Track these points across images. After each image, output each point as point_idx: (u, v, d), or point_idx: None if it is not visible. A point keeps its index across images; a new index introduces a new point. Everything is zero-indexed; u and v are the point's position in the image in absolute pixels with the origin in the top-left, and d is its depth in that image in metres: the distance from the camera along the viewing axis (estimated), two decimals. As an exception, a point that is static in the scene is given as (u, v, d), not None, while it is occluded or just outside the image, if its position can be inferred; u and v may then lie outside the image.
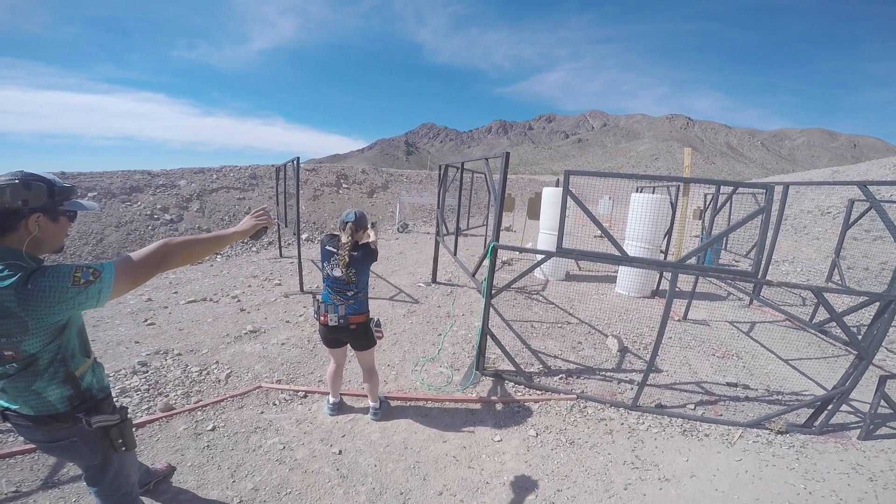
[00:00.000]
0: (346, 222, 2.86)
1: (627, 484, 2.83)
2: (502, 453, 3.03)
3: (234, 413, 3.26)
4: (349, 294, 2.87)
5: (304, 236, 10.71)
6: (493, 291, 3.88)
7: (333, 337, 2.99)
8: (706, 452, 3.20)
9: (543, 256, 3.72)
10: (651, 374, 4.23)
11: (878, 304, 3.19)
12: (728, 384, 4.30)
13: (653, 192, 8.02)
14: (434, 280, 7.08)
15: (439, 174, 7.24)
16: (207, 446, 2.89)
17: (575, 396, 3.76)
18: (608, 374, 4.33)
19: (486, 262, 3.80)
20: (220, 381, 3.72)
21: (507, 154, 3.89)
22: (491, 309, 4.01)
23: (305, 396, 3.54)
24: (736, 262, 8.86)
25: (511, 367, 4.11)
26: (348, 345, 3.09)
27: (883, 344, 5.39)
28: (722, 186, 6.28)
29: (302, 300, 5.89)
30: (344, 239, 2.82)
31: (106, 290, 1.33)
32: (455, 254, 5.80)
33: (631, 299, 6.85)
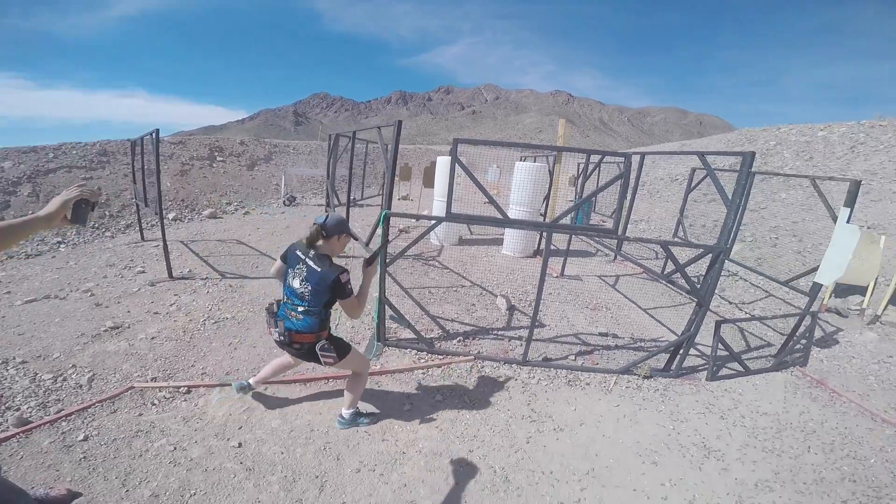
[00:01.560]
0: (314, 224, 2.50)
1: (528, 437, 3.08)
2: (415, 422, 3.09)
3: (108, 419, 2.88)
4: (300, 309, 2.51)
5: (170, 215, 9.45)
6: (388, 260, 3.87)
7: (281, 347, 2.68)
8: (589, 401, 3.59)
9: (434, 222, 3.79)
10: (536, 330, 4.62)
11: (710, 255, 3.77)
12: (600, 334, 4.87)
13: (534, 161, 8.64)
14: (327, 253, 6.81)
15: (329, 144, 6.88)
16: (84, 458, 2.51)
17: (473, 357, 3.95)
18: (500, 332, 4.63)
19: (380, 231, 3.76)
20: (81, 386, 3.20)
21: (400, 123, 3.83)
22: (388, 278, 3.99)
23: (189, 392, 3.23)
24: (603, 222, 10.07)
25: (412, 335, 4.17)
26: None
27: (718, 293, 6.65)
28: (591, 156, 7.01)
29: (172, 287, 5.21)
30: (306, 242, 2.50)
31: None
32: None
33: (516, 259, 7.40)
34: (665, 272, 4.37)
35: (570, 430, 3.21)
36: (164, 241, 5.43)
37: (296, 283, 2.49)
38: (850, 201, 3.95)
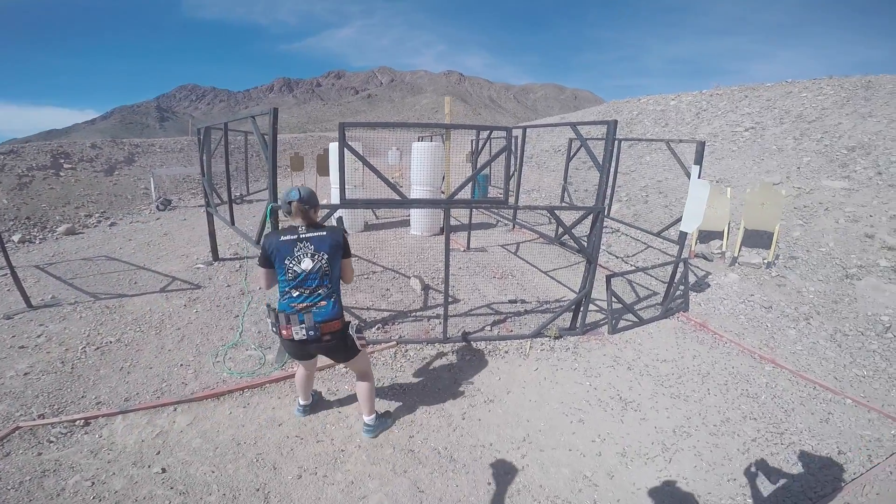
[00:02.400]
0: (290, 202, 2.34)
1: (463, 413, 3.13)
2: (346, 417, 3.02)
3: (2, 462, 2.57)
4: (320, 293, 2.34)
5: (15, 237, 7.78)
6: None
7: (303, 350, 2.47)
8: (511, 368, 3.73)
9: (329, 211, 3.57)
10: (451, 305, 4.69)
11: (591, 215, 4.12)
12: (510, 301, 5.08)
13: (431, 141, 8.64)
14: (216, 258, 6.15)
15: (198, 138, 6.12)
16: (-7, 506, 2.13)
17: (395, 343, 3.90)
18: (418, 313, 4.62)
19: (269, 227, 3.44)
20: (-47, 433, 2.67)
21: (276, 110, 3.50)
22: None
23: (87, 424, 2.90)
24: (500, 194, 10.50)
25: None
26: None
27: (606, 249, 7.33)
28: (481, 132, 7.20)
29: (35, 317, 4.39)
30: (298, 222, 2.36)
31: None
32: (233, 223, 5.10)
33: (424, 238, 7.41)
34: (557, 235, 4.67)
35: (499, 399, 3.31)
36: (11, 268, 4.52)
37: (306, 263, 2.31)
38: (699, 160, 4.55)
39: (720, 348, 4.39)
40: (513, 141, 8.58)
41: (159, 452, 2.70)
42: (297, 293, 2.35)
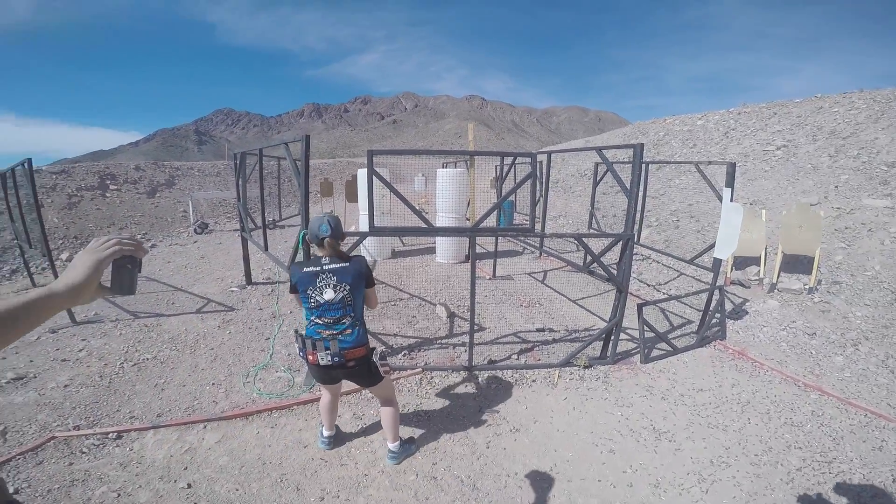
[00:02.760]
0: (323, 237, 2.41)
1: (488, 442, 3.08)
2: (370, 441, 3.03)
3: (35, 470, 2.67)
4: (345, 322, 2.42)
5: (63, 256, 8.28)
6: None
7: (328, 375, 2.56)
8: (538, 397, 3.65)
9: (358, 238, 3.65)
10: (477, 333, 4.64)
11: (620, 242, 4.01)
12: (538, 330, 5.00)
13: (455, 167, 8.77)
14: (249, 282, 6.34)
15: (235, 163, 6.42)
16: (20, 511, 2.17)
17: (420, 370, 3.89)
18: (444, 341, 4.61)
19: (300, 253, 3.55)
20: (-8, 440, 2.86)
21: (308, 137, 3.64)
22: None
23: (119, 437, 3.00)
24: (526, 221, 10.47)
25: None
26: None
27: (637, 277, 7.16)
28: (505, 157, 7.26)
29: (78, 332, 4.67)
30: (323, 253, 2.44)
31: None
32: (266, 248, 5.27)
33: (450, 266, 7.43)
34: (586, 263, 4.60)
35: (526, 429, 3.25)
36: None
37: (329, 294, 2.39)
38: (730, 182, 4.44)
39: (761, 376, 4.18)
40: (537, 166, 8.64)
41: (186, 468, 2.75)
42: (322, 321, 2.43)
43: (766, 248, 6.49)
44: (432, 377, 3.86)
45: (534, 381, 3.90)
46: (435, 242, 8.03)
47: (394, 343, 4.51)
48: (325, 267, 2.41)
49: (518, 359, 4.28)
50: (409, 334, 4.74)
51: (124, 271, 0.91)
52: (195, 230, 10.81)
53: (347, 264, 2.44)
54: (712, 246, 4.72)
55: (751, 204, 8.06)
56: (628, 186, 3.85)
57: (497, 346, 4.56)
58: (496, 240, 6.91)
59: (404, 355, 4.26)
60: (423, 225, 3.65)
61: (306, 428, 3.16)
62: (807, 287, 5.88)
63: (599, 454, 3.02)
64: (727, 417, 3.49)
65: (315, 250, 2.54)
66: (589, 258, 4.21)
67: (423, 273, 6.82)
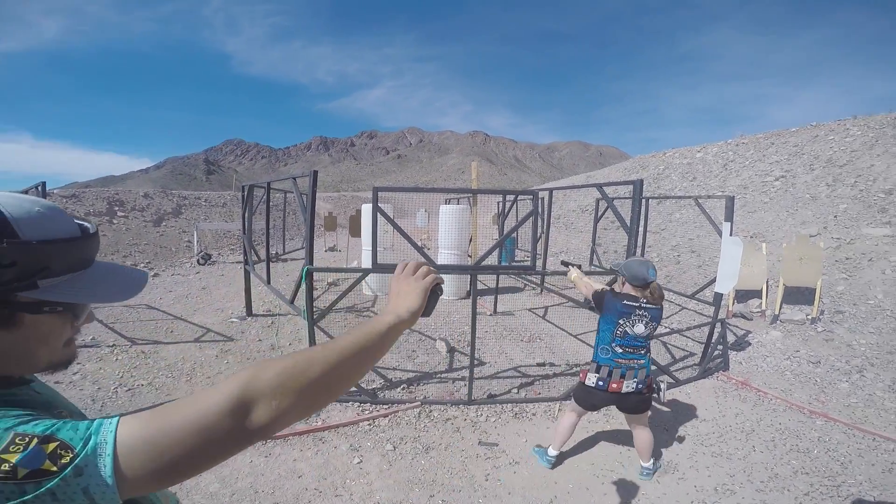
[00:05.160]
0: (650, 282, 2.71)
1: (486, 475, 3.03)
2: (366, 473, 2.97)
3: None
4: (642, 352, 2.73)
5: (63, 284, 8.30)
6: (315, 315, 3.71)
7: (608, 404, 2.84)
8: (538, 430, 3.60)
9: (361, 274, 3.69)
10: (477, 368, 4.62)
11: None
12: (538, 364, 4.96)
13: (458, 203, 8.92)
14: (250, 313, 6.35)
15: (242, 196, 6.56)
16: None
17: (419, 403, 3.86)
18: (443, 375, 4.58)
19: (304, 289, 3.59)
20: None
21: (315, 173, 3.75)
22: (319, 332, 3.87)
23: None
24: (527, 258, 10.53)
25: (353, 388, 3.99)
26: None
27: None
28: (507, 195, 7.40)
29: None
30: (653, 297, 2.70)
31: (101, 490, 0.48)
32: (269, 282, 5.31)
33: (451, 302, 7.42)
34: (587, 299, 4.61)
35: (525, 461, 3.19)
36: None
37: (640, 329, 2.67)
38: (729, 216, 4.50)
39: (765, 405, 4.15)
40: (539, 203, 8.76)
41: (176, 493, 2.67)
42: (623, 351, 2.73)
43: (767, 281, 6.49)
44: (431, 411, 3.82)
45: (534, 414, 3.86)
46: (437, 278, 8.02)
47: (393, 377, 4.48)
48: (641, 305, 2.69)
49: (518, 392, 4.25)
50: (409, 368, 4.71)
51: (434, 297, 0.97)
52: (198, 261, 10.90)
53: (656, 307, 2.74)
54: (713, 280, 4.74)
55: (751, 237, 8.11)
56: (628, 223, 3.91)
57: (497, 380, 4.52)
58: (497, 277, 6.94)
59: (403, 389, 4.23)
60: (425, 262, 3.70)
61: (301, 458, 3.10)
62: (809, 317, 5.84)
63: (601, 485, 2.96)
64: (731, 446, 3.45)
65: (629, 289, 2.75)
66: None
67: (424, 308, 6.82)
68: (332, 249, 13.03)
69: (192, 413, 0.53)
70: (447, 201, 9.02)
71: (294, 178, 4.53)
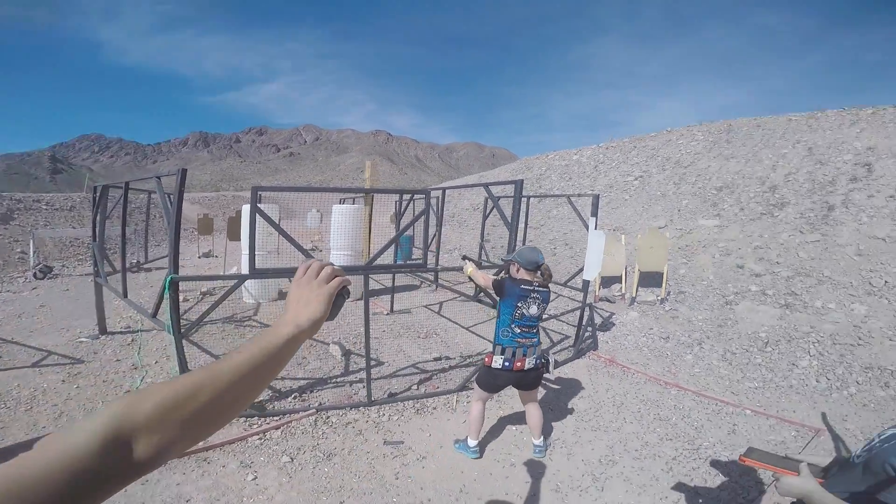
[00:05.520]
0: (540, 263, 2.93)
1: (396, 473, 3.03)
2: (264, 489, 2.82)
3: None
4: (535, 332, 2.99)
5: None
6: (184, 328, 3.34)
7: (510, 383, 3.02)
8: (440, 423, 3.70)
9: (236, 282, 3.42)
10: (375, 368, 4.59)
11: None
12: (435, 359, 5.09)
13: (353, 203, 8.71)
14: (104, 331, 5.49)
15: (94, 197, 5.64)
16: None
17: (314, 410, 3.72)
18: (339, 379, 4.47)
19: (167, 302, 3.20)
20: None
21: (184, 171, 3.39)
22: (192, 347, 3.49)
23: None
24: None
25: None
26: None
27: None
28: (403, 194, 7.46)
29: None
30: (539, 280, 2.94)
31: None
32: (125, 295, 4.64)
33: (345, 304, 7.23)
34: (476, 293, 4.88)
35: (432, 455, 3.26)
36: None
37: (534, 310, 2.91)
38: (595, 212, 5.11)
39: (629, 379, 4.72)
40: (432, 202, 8.95)
41: None
42: (521, 330, 2.93)
43: (626, 268, 7.49)
44: (329, 417, 3.71)
45: (434, 408, 3.95)
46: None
47: (281, 386, 4.24)
48: (536, 289, 2.91)
49: (418, 389, 4.32)
50: (300, 376, 4.50)
51: (341, 301, 0.86)
52: (35, 275, 9.06)
53: (546, 290, 2.98)
54: (582, 269, 5.32)
55: (613, 230, 9.28)
56: (510, 220, 4.21)
57: (396, 379, 4.54)
58: (393, 276, 6.95)
59: (295, 398, 4.03)
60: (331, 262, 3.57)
61: (185, 482, 2.82)
62: (659, 298, 6.87)
63: (502, 469, 3.14)
64: (606, 419, 3.87)
65: (523, 274, 2.93)
66: (478, 288, 4.46)
67: (316, 312, 6.55)
68: (207, 255, 11.81)
69: (55, 458, 0.44)
70: (342, 201, 8.77)
71: (158, 178, 4.02)
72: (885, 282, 5.67)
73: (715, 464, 3.29)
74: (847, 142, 8.85)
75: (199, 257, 11.76)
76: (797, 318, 5.65)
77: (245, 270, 6.99)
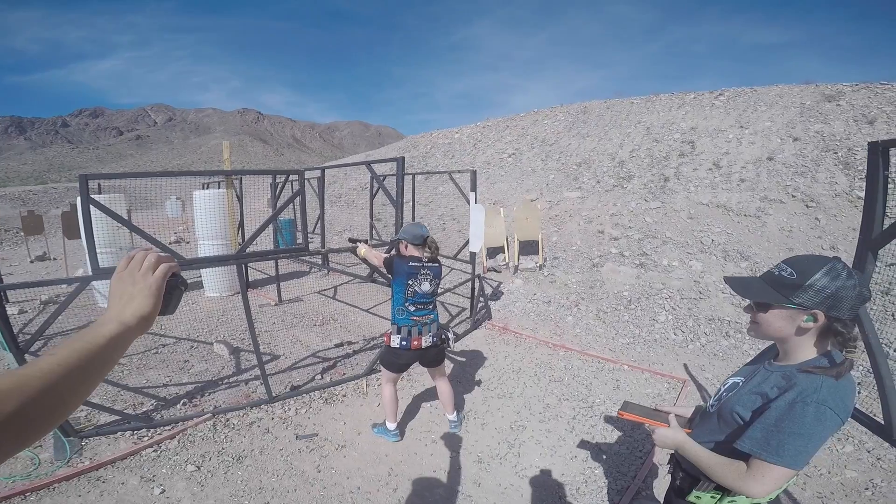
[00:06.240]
0: (426, 237, 2.91)
1: (317, 466, 2.93)
2: (178, 501, 2.64)
3: None
4: (430, 308, 2.98)
5: None
6: (23, 344, 2.78)
7: (413, 361, 3.00)
8: (353, 410, 3.63)
9: (78, 285, 2.90)
10: (271, 363, 4.38)
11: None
12: (337, 345, 4.96)
13: (219, 188, 7.85)
14: None
15: None
16: None
17: (210, 415, 3.44)
18: (232, 379, 4.15)
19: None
20: None
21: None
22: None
23: None
24: (312, 240, 10.25)
25: (116, 417, 3.31)
26: None
27: None
28: (278, 176, 6.96)
29: None
30: (428, 254, 2.91)
31: None
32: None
33: (225, 299, 6.63)
34: (369, 274, 4.84)
35: (352, 443, 3.21)
36: None
37: (426, 287, 2.88)
38: (473, 187, 5.38)
39: (523, 345, 5.00)
40: (308, 184, 8.50)
41: None
42: (416, 308, 2.91)
43: (507, 239, 8.09)
44: (228, 419, 3.44)
45: (344, 395, 3.87)
46: (200, 275, 6.98)
47: (165, 394, 3.81)
48: (425, 265, 2.88)
49: (323, 378, 4.19)
50: (185, 381, 4.09)
51: (177, 292, 0.79)
52: None
53: (437, 265, 2.97)
54: (468, 242, 5.60)
55: (493, 203, 9.90)
56: (394, 197, 4.22)
57: (297, 370, 4.35)
58: (276, 263, 6.53)
59: (185, 404, 3.66)
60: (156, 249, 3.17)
61: None
62: (538, 265, 7.58)
63: (425, 447, 3.20)
64: (509, 386, 4.05)
65: (412, 251, 2.89)
66: (371, 269, 4.42)
67: (190, 312, 5.86)
68: (42, 258, 9.78)
69: None
70: (205, 186, 7.84)
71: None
72: (712, 240, 6.85)
73: (609, 419, 3.48)
74: (676, 122, 10.51)
75: (32, 262, 9.70)
76: (651, 276, 6.48)
77: (91, 271, 5.96)
